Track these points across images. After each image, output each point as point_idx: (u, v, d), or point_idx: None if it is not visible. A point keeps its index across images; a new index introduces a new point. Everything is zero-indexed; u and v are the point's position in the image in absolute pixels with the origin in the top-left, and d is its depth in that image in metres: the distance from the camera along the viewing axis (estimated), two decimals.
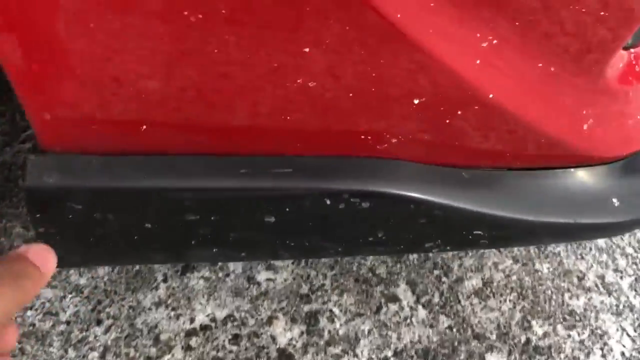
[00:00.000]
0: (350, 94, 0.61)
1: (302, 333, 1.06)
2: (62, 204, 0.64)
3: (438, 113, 0.64)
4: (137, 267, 1.11)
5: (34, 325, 1.04)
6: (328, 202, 0.69)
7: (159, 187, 0.65)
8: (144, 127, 0.63)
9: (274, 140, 0.67)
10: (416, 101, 0.62)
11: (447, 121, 0.65)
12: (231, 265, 1.13)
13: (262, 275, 1.12)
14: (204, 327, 1.05)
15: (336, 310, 1.09)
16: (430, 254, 1.18)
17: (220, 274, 1.12)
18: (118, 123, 0.62)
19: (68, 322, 1.04)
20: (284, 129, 0.66)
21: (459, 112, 0.63)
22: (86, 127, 0.63)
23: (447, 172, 0.72)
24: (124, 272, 1.10)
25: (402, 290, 1.13)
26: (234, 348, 1.03)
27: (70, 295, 1.07)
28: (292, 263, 1.14)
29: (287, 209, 0.69)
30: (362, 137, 0.67)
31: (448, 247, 0.82)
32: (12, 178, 1.19)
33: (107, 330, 1.03)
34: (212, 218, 0.69)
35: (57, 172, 0.63)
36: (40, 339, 1.03)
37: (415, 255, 1.18)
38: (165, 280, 1.10)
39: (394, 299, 1.12)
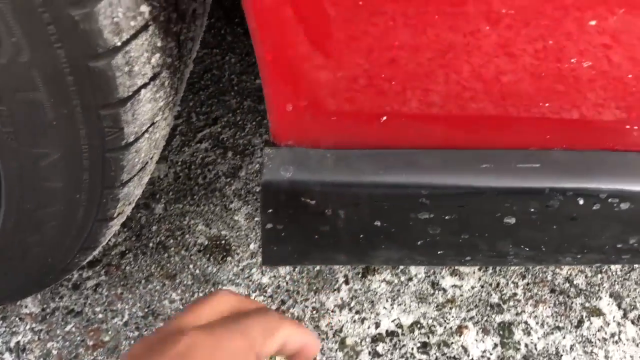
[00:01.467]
0: (629, 75, 0.53)
1: (495, 345, 0.98)
2: (297, 199, 0.62)
3: None
4: (318, 267, 1.08)
5: None
6: (581, 202, 0.61)
7: (396, 182, 0.61)
8: (384, 118, 0.59)
9: (520, 132, 0.60)
10: None
11: None
12: (412, 270, 1.07)
13: (447, 281, 1.05)
14: (391, 333, 1.00)
15: (532, 323, 1.01)
16: (637, 265, 1.05)
17: (403, 278, 1.06)
18: (358, 115, 0.59)
19: None
20: (533, 118, 0.59)
21: None
22: (324, 120, 0.59)
23: None
24: (305, 272, 1.08)
25: (606, 304, 1.02)
26: (424, 357, 0.97)
27: (254, 294, 1.06)
28: (479, 269, 1.06)
29: (532, 209, 0.62)
30: (627, 127, 0.58)
31: None
32: (192, 176, 1.21)
33: None
34: (446, 217, 0.64)
35: (294, 166, 0.61)
36: None
37: (618, 266, 1.06)
38: (346, 282, 1.06)
39: (597, 312, 1.01)
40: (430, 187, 0.61)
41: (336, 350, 0.99)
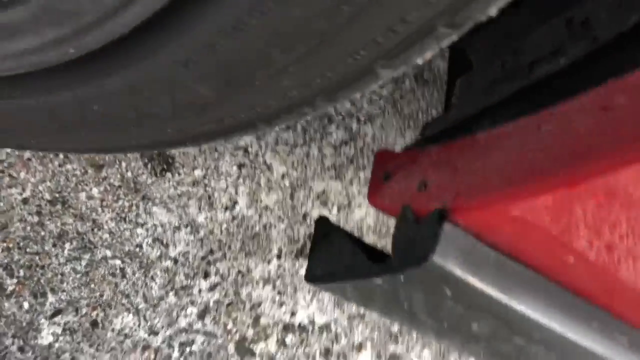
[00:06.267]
0: None
1: None
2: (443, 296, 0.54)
3: None
4: (257, 228, 0.98)
5: (140, 246, 0.88)
6: None
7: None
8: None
9: None
10: None
11: None
12: None
13: None
14: (302, 328, 0.97)
15: None
16: None
17: None
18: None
19: (175, 261, 0.90)
20: None
21: None
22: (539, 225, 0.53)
23: None
24: (242, 226, 0.97)
25: None
26: None
27: (185, 230, 0.92)
28: None
29: None
30: None
31: None
32: None
33: (212, 288, 0.91)
34: None
35: (462, 259, 0.53)
36: (145, 267, 0.88)
37: None
38: (279, 256, 0.99)
39: None
40: None
41: (248, 325, 0.92)
